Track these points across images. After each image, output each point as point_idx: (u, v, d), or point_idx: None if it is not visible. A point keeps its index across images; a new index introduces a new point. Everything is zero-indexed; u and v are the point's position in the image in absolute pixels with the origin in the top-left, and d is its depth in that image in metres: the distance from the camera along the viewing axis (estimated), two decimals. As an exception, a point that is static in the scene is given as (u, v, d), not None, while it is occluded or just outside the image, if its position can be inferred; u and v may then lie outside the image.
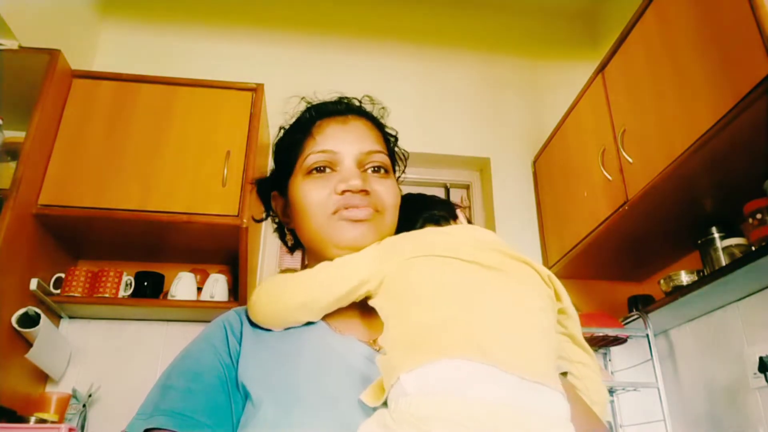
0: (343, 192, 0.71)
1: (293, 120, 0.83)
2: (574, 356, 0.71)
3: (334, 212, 0.72)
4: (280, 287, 0.70)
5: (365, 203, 0.71)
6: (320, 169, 0.74)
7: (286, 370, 0.65)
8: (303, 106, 0.83)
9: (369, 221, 0.71)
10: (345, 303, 0.67)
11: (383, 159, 0.77)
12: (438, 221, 0.79)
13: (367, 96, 0.84)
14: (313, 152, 0.74)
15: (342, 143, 0.75)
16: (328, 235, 0.72)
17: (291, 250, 0.87)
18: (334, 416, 0.59)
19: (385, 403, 0.54)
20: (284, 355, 0.67)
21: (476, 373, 0.50)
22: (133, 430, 0.61)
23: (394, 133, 0.85)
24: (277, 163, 0.83)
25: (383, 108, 0.85)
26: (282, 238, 0.87)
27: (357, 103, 0.83)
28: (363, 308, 0.70)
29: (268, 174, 0.86)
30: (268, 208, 0.86)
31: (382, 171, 0.77)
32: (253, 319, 0.71)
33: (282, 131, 0.84)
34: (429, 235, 0.71)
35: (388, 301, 0.63)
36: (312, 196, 0.73)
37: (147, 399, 0.65)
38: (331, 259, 0.71)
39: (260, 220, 0.89)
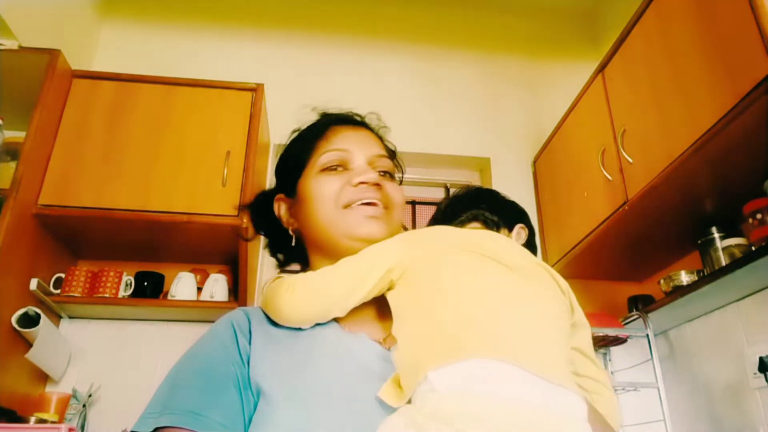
0: (358, 184, 0.75)
1: (305, 127, 0.88)
2: (582, 370, 0.70)
3: (347, 205, 0.75)
4: (314, 284, 0.69)
5: (378, 197, 0.76)
6: (332, 168, 0.78)
7: (302, 370, 0.65)
8: (312, 116, 0.89)
9: (382, 219, 0.75)
10: (373, 294, 0.67)
11: (390, 165, 0.83)
12: (486, 223, 0.79)
13: (374, 113, 0.91)
14: (327, 151, 0.79)
15: (354, 144, 0.80)
16: (340, 227, 0.74)
17: (282, 265, 0.88)
18: (351, 415, 0.59)
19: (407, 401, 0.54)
20: (298, 353, 0.67)
21: (506, 374, 0.50)
22: (142, 429, 0.60)
23: (393, 148, 0.90)
24: (286, 165, 0.86)
25: (385, 127, 0.91)
26: (274, 254, 0.89)
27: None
28: (373, 306, 0.71)
29: (265, 191, 0.90)
30: (259, 225, 0.89)
31: (388, 176, 0.82)
32: (278, 320, 0.70)
33: (293, 135, 0.88)
34: (455, 232, 0.71)
35: (409, 292, 0.63)
36: (325, 188, 0.76)
37: (154, 399, 0.63)
38: (341, 251, 0.72)
39: (249, 240, 0.91)
